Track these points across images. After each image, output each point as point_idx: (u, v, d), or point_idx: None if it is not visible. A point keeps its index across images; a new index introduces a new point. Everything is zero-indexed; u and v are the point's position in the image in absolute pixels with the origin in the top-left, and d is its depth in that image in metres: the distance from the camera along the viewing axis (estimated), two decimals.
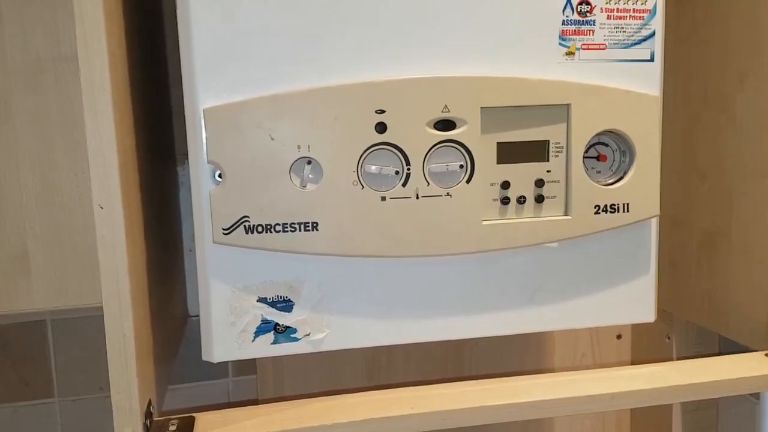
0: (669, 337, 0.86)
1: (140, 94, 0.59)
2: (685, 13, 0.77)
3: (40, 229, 0.63)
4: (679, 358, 0.86)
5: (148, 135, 0.63)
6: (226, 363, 0.93)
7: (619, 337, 0.96)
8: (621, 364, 0.96)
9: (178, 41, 0.51)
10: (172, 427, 0.52)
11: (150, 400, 0.53)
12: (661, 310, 0.85)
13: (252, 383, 0.93)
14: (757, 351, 0.65)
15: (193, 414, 0.54)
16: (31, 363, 0.87)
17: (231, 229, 0.53)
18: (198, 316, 0.56)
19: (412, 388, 0.58)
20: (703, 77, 0.76)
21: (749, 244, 0.70)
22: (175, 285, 0.78)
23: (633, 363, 0.96)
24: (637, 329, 0.95)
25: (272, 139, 0.52)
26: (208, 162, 0.52)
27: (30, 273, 0.63)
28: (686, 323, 0.86)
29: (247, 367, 0.93)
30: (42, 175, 0.62)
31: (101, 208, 0.45)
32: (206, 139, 0.52)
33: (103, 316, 0.48)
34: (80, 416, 0.89)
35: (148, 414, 0.52)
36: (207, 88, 0.52)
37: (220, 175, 0.53)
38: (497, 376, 0.61)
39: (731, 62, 0.71)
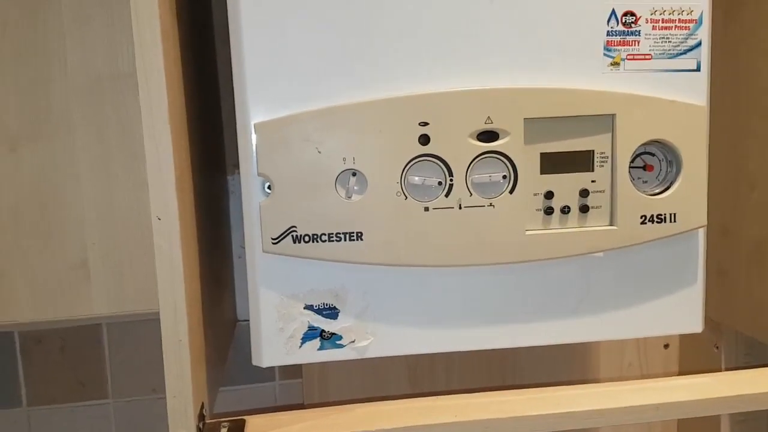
0: (717, 347, 0.85)
1: (194, 109, 0.61)
2: (734, 20, 0.76)
3: (99, 238, 0.66)
4: (727, 369, 0.84)
5: (201, 146, 0.65)
6: (273, 367, 0.95)
7: (666, 346, 0.95)
8: (668, 374, 0.95)
9: (227, 54, 0.54)
10: (224, 430, 0.54)
11: (203, 403, 0.55)
12: (709, 320, 0.84)
13: (298, 386, 0.95)
14: None
15: (243, 417, 0.56)
16: (87, 365, 0.91)
17: (279, 238, 0.55)
18: (246, 320, 0.57)
19: (455, 396, 0.58)
20: (752, 85, 0.74)
21: None
22: (225, 290, 0.80)
23: (681, 373, 0.95)
24: (685, 339, 0.94)
25: (319, 152, 0.54)
26: (259, 174, 0.54)
27: (90, 280, 0.66)
28: (735, 333, 0.84)
29: (293, 370, 0.95)
30: (101, 187, 0.65)
31: (159, 219, 0.48)
32: (256, 152, 0.54)
33: (155, 320, 0.50)
34: (133, 416, 0.92)
35: (201, 417, 0.54)
36: (257, 104, 0.54)
37: (269, 187, 0.54)
38: (541, 386, 0.61)
39: None
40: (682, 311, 0.62)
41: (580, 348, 0.94)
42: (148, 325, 0.88)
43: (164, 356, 0.50)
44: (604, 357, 0.94)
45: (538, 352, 0.93)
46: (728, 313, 0.81)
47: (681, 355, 0.95)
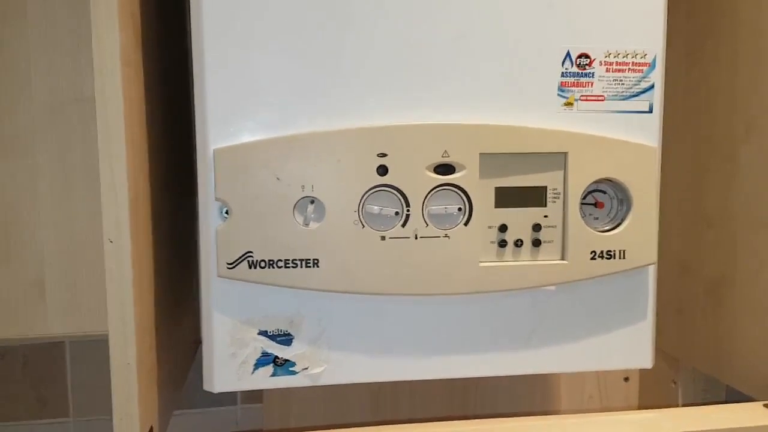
0: (675, 383, 0.86)
1: (162, 134, 0.62)
2: (694, 64, 0.79)
3: (57, 258, 0.66)
4: (685, 405, 0.85)
5: (169, 171, 0.66)
6: (234, 391, 0.95)
7: (626, 380, 0.96)
8: (628, 407, 0.96)
9: None
10: None
11: (151, 427, 0.55)
12: (667, 356, 0.85)
13: (260, 411, 0.95)
14: (759, 401, 0.65)
15: None
16: (48, 383, 0.90)
17: (235, 263, 0.55)
18: None
19: (405, 425, 0.59)
20: (710, 126, 0.77)
21: (753, 293, 0.70)
22: (186, 313, 0.80)
23: (640, 407, 0.96)
24: (645, 373, 0.95)
25: (278, 179, 0.55)
26: (216, 199, 0.55)
27: (45, 299, 0.66)
28: (693, 370, 0.85)
29: (255, 395, 0.95)
30: (61, 208, 0.66)
31: (111, 242, 0.48)
32: (215, 177, 0.54)
33: None
34: None
35: None
36: (218, 130, 0.55)
37: (227, 212, 0.55)
38: (500, 416, 0.61)
39: (737, 113, 0.72)
40: (633, 346, 0.63)
41: (540, 380, 0.95)
42: None
43: (112, 378, 0.50)
44: (565, 389, 0.95)
45: (500, 383, 0.94)
46: (685, 350, 0.82)
47: (641, 389, 0.96)
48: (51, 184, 0.66)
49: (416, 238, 0.57)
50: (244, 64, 0.54)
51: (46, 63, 0.65)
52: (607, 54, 0.58)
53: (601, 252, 0.59)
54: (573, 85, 0.58)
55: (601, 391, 0.96)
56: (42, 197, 0.66)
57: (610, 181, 0.59)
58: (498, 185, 0.58)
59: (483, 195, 0.58)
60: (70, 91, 0.65)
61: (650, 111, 0.60)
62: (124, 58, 0.48)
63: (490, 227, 0.59)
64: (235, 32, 0.54)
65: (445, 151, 0.56)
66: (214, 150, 0.54)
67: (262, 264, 0.55)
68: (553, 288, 0.60)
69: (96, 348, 0.90)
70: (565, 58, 0.58)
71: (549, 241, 0.59)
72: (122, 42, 0.48)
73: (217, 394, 0.63)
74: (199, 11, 0.53)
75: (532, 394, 0.95)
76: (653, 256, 0.61)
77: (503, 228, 0.59)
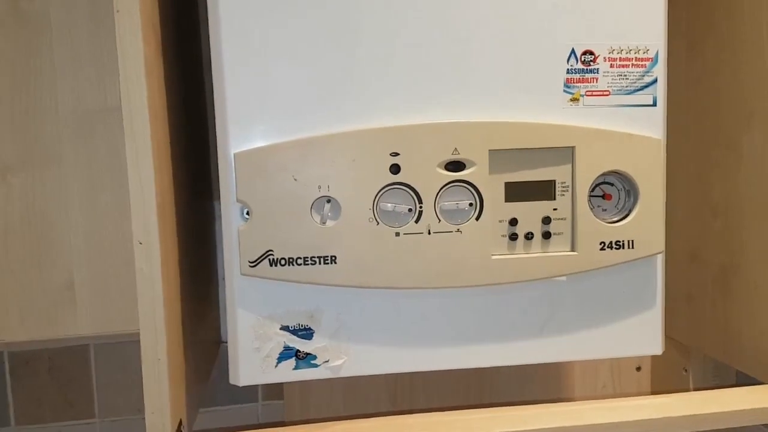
0: (686, 370, 0.88)
1: (180, 139, 0.64)
2: (696, 57, 0.80)
3: (86, 262, 0.69)
4: (696, 391, 0.86)
5: (187, 174, 0.68)
6: (256, 387, 0.98)
7: (639, 369, 0.98)
8: (641, 395, 0.97)
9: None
10: None
11: (181, 420, 0.57)
12: (678, 343, 0.87)
13: (281, 407, 0.97)
14: None
15: None
16: (74, 385, 0.93)
17: (257, 262, 0.57)
18: None
19: (419, 414, 0.61)
20: (713, 117, 0.78)
21: (761, 278, 0.72)
22: (209, 311, 0.83)
23: (653, 395, 0.97)
24: (656, 361, 0.97)
25: (295, 180, 0.57)
26: (237, 201, 0.57)
27: (75, 302, 0.69)
28: (704, 356, 0.87)
29: (276, 391, 0.97)
30: (89, 213, 0.69)
31: (140, 244, 0.51)
32: (236, 180, 0.57)
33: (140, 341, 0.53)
34: None
35: None
36: (237, 135, 0.57)
37: (248, 213, 0.57)
38: (515, 404, 0.63)
39: (739, 103, 0.74)
40: (643, 333, 0.64)
41: (555, 369, 0.97)
42: (134, 345, 0.89)
43: (144, 374, 0.52)
44: (579, 378, 0.97)
45: (514, 373, 0.95)
46: (696, 337, 0.84)
47: (653, 378, 0.97)
48: (78, 191, 0.69)
49: (429, 233, 0.59)
50: (261, 72, 0.57)
51: (71, 74, 0.67)
52: (611, 50, 0.60)
53: (610, 242, 0.61)
54: (578, 81, 0.60)
55: (615, 381, 0.98)
56: (70, 204, 0.69)
57: (617, 173, 0.61)
58: (507, 180, 0.60)
59: (493, 190, 0.60)
60: (95, 102, 0.67)
61: (654, 104, 0.61)
62: (148, 69, 0.50)
63: (501, 221, 0.60)
64: (252, 40, 0.56)
65: (456, 149, 0.58)
66: (234, 154, 0.57)
67: (282, 262, 0.58)
68: (563, 278, 0.62)
69: (120, 349, 0.92)
70: (570, 55, 0.59)
71: (559, 233, 0.61)
72: (146, 54, 0.50)
73: (239, 392, 0.65)
74: (217, 21, 0.56)
75: (546, 384, 0.97)
76: (661, 245, 0.62)
77: (514, 222, 0.60)
